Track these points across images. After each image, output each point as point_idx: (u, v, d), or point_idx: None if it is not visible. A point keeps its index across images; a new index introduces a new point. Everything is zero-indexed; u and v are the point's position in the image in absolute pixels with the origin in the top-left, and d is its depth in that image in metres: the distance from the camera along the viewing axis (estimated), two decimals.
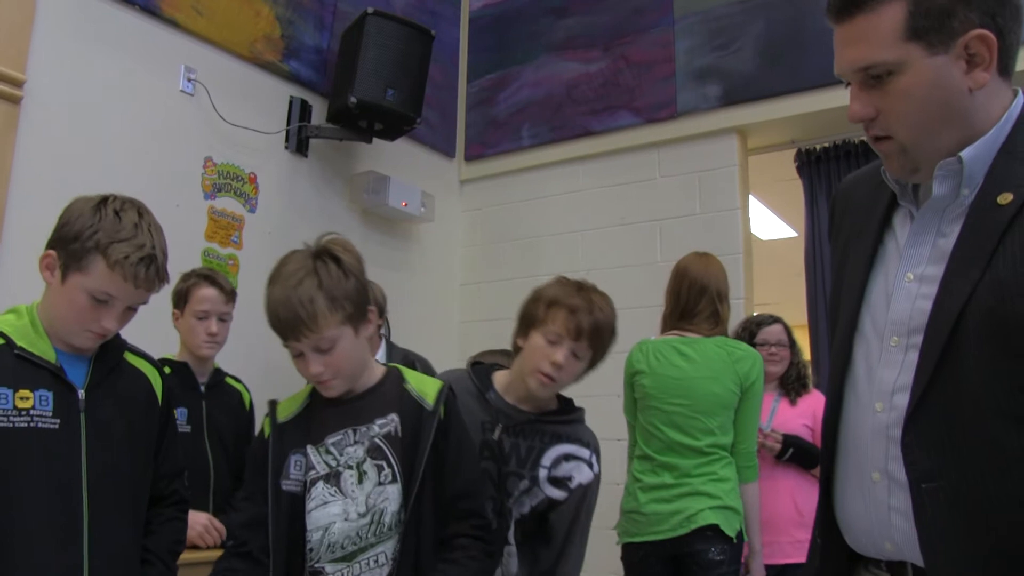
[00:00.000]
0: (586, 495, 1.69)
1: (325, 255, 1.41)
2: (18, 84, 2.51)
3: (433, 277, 4.01)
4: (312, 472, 1.43)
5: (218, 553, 2.09)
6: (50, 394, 1.36)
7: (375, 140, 3.50)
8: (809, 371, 2.97)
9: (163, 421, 1.53)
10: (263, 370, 2.85)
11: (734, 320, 3.38)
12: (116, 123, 2.79)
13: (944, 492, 0.98)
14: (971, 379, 0.97)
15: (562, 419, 1.69)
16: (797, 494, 2.78)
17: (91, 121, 2.72)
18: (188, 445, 2.15)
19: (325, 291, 1.37)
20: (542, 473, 1.62)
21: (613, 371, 2.13)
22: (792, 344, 2.98)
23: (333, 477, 1.42)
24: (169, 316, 2.38)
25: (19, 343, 1.37)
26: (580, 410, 1.75)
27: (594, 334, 1.61)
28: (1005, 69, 1.04)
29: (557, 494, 1.63)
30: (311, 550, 1.42)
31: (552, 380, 1.61)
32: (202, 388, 2.31)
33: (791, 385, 2.93)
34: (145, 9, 2.88)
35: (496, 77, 4.21)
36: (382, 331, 2.75)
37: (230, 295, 2.33)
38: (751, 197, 3.78)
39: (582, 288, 1.66)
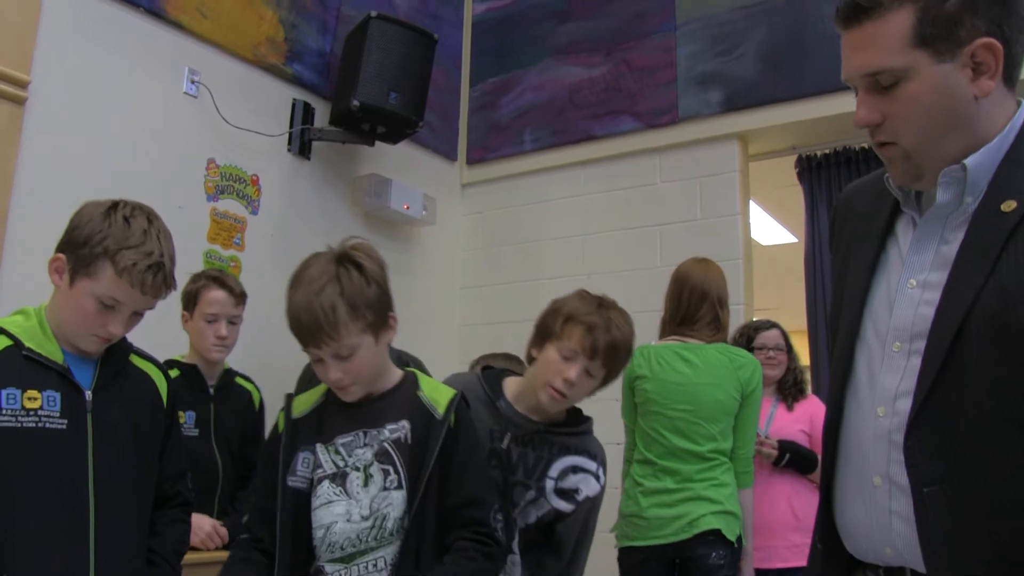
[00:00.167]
0: (593, 507, 1.69)
1: (348, 261, 1.40)
2: (22, 85, 2.52)
3: (434, 280, 4.02)
4: (319, 470, 1.43)
5: (222, 555, 2.10)
6: (58, 395, 1.37)
7: (377, 143, 3.51)
8: (807, 376, 2.97)
9: (167, 423, 1.53)
10: (264, 370, 2.86)
11: (733, 325, 3.40)
12: (119, 124, 2.80)
13: (946, 496, 0.98)
14: (974, 385, 0.97)
15: (571, 431, 1.68)
16: (794, 498, 2.79)
17: (94, 122, 2.73)
18: (196, 449, 2.14)
19: (347, 299, 1.36)
20: (549, 484, 1.62)
21: None
22: (789, 349, 2.99)
23: (339, 477, 1.42)
24: (178, 316, 2.37)
25: (27, 344, 1.38)
26: (589, 421, 1.74)
27: (609, 353, 1.59)
28: (1010, 78, 1.05)
29: (563, 506, 1.63)
30: (315, 547, 1.43)
31: (563, 396, 1.60)
32: (211, 390, 2.29)
33: (788, 390, 2.94)
34: (149, 11, 2.89)
35: (498, 81, 4.23)
36: None
37: (240, 297, 2.31)
38: (752, 202, 3.79)
39: (602, 305, 1.63)
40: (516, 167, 4.10)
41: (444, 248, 4.11)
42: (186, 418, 2.17)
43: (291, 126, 3.39)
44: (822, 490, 1.16)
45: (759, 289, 3.68)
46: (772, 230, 5.51)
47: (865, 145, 3.40)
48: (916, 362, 1.03)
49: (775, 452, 2.75)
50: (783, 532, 2.75)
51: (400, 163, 3.81)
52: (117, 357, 1.47)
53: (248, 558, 1.45)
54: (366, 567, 1.39)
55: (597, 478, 1.67)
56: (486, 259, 4.13)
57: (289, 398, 1.54)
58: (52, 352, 1.39)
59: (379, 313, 1.42)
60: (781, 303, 5.33)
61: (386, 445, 1.42)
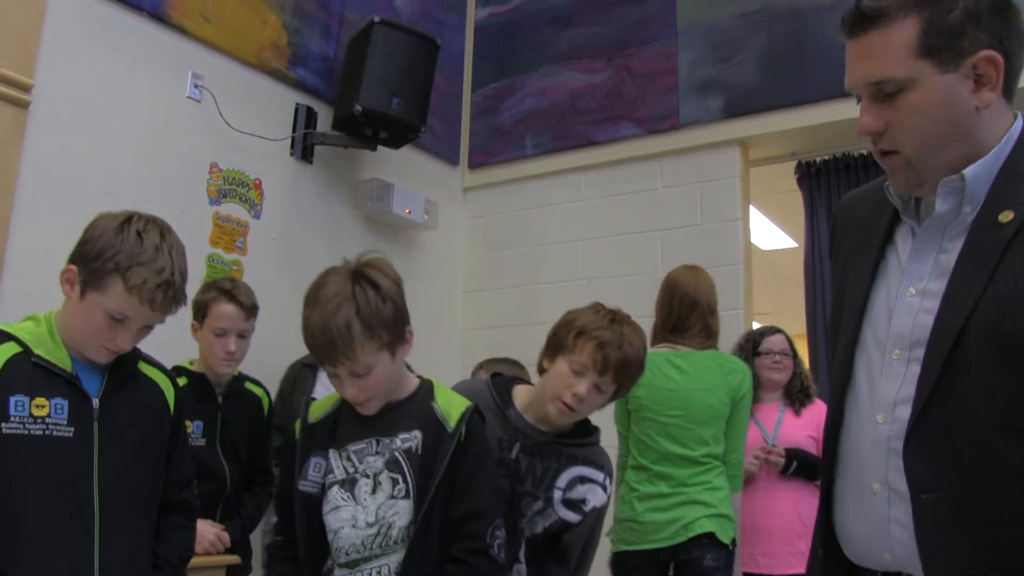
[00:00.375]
0: (599, 517, 1.70)
1: (363, 279, 1.40)
2: (26, 88, 2.53)
3: (436, 284, 4.03)
4: (330, 475, 1.45)
5: (223, 559, 2.12)
6: (65, 402, 1.37)
7: (379, 148, 3.53)
8: (811, 381, 2.98)
9: (174, 430, 1.54)
10: (266, 373, 2.86)
11: (732, 330, 3.41)
12: (123, 128, 2.81)
13: (945, 503, 0.99)
14: (973, 393, 0.99)
15: (580, 442, 1.68)
16: (800, 504, 2.79)
17: (98, 125, 2.74)
18: (204, 458, 2.13)
19: (362, 318, 1.36)
20: (556, 495, 1.62)
21: None
22: (795, 354, 3.00)
23: (349, 483, 1.43)
24: (188, 320, 2.33)
25: (36, 351, 1.39)
26: (597, 432, 1.73)
27: (620, 369, 1.58)
28: (1008, 91, 1.07)
29: (571, 516, 1.63)
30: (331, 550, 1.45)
31: (572, 410, 1.59)
32: (219, 399, 2.27)
33: (795, 396, 2.95)
34: (153, 15, 2.90)
35: (500, 86, 4.25)
36: None
37: (250, 311, 2.26)
38: (752, 208, 3.81)
39: (615, 320, 1.61)
40: (517, 172, 4.12)
41: (446, 252, 4.12)
42: (193, 428, 2.15)
43: (294, 130, 3.41)
44: (822, 496, 1.17)
45: (759, 294, 3.69)
46: (772, 235, 5.53)
47: (864, 152, 3.41)
48: (915, 370, 1.04)
49: (783, 460, 2.75)
50: (789, 538, 2.75)
51: (402, 167, 3.83)
52: (126, 364, 1.48)
53: (285, 557, 1.49)
54: (370, 574, 1.40)
55: (604, 488, 1.67)
56: (487, 263, 4.15)
57: (307, 403, 1.56)
58: (61, 359, 1.40)
59: (395, 331, 1.41)
60: (781, 308, 5.35)
61: (397, 454, 1.43)
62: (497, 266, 4.11)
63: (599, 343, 1.57)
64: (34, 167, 2.55)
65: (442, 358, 3.82)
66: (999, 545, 0.97)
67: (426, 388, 1.53)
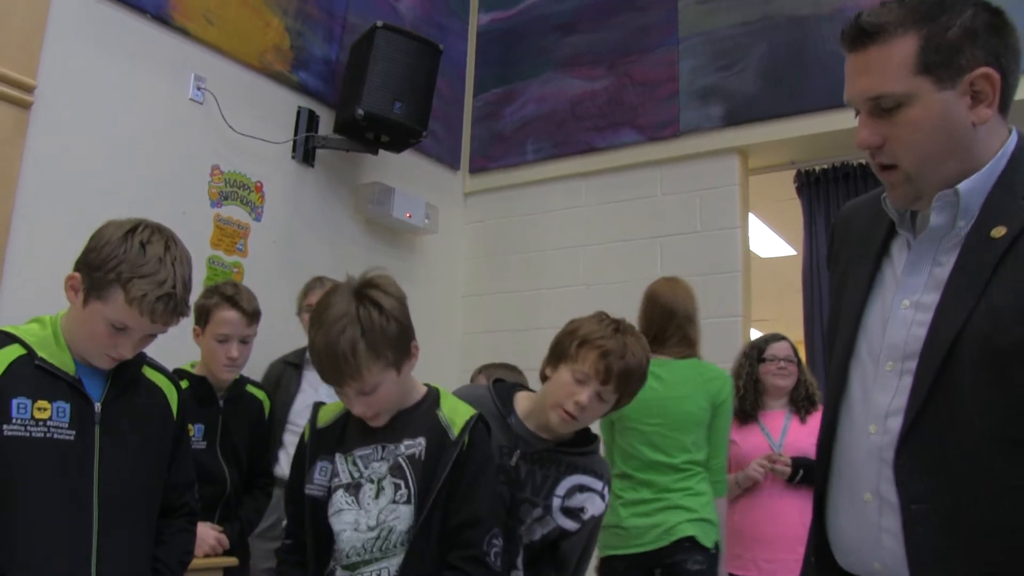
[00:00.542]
0: (597, 525, 1.70)
1: (367, 301, 1.41)
2: (28, 89, 2.54)
3: (436, 288, 4.04)
4: (336, 479, 1.47)
5: (221, 561, 2.12)
6: (67, 406, 1.38)
7: (381, 151, 3.54)
8: (816, 388, 2.98)
9: (177, 434, 1.55)
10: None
11: (731, 337, 3.42)
12: (125, 129, 2.82)
13: (935, 514, 1.00)
14: (965, 405, 1.00)
15: (580, 451, 1.68)
16: (804, 512, 2.76)
17: (100, 127, 2.75)
18: (204, 461, 2.13)
19: (367, 340, 1.37)
20: (555, 502, 1.63)
21: None
22: (799, 361, 3.00)
23: (353, 487, 1.46)
24: (191, 323, 2.33)
25: (40, 354, 1.39)
26: (597, 440, 1.74)
27: (623, 379, 1.58)
28: (1004, 107, 1.08)
29: (569, 524, 1.64)
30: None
31: (573, 419, 1.59)
32: (220, 403, 2.27)
33: (801, 403, 2.95)
34: (156, 17, 2.91)
35: (502, 92, 4.26)
36: None
37: (252, 316, 2.25)
38: (752, 215, 3.82)
39: (618, 329, 1.62)
40: (518, 177, 4.13)
41: (446, 256, 4.13)
42: (195, 431, 2.15)
43: (295, 133, 3.42)
44: (815, 504, 1.19)
45: (758, 301, 3.70)
46: (771, 242, 5.54)
47: (863, 161, 3.43)
48: (908, 381, 1.06)
49: (788, 469, 2.76)
50: (791, 545, 2.75)
51: (403, 171, 3.84)
52: (130, 368, 1.49)
53: (295, 561, 1.52)
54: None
55: (602, 497, 1.67)
56: (487, 268, 4.16)
57: (316, 408, 1.58)
58: (65, 363, 1.41)
59: (400, 348, 1.43)
60: (780, 314, 5.35)
61: (400, 460, 1.45)
62: (497, 271, 4.12)
63: (602, 352, 1.57)
64: (36, 168, 2.56)
65: (442, 362, 3.83)
66: (989, 557, 0.98)
67: (433, 396, 1.55)
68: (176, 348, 2.06)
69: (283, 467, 2.54)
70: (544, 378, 1.68)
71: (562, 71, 4.08)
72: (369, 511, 1.43)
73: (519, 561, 1.62)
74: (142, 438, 1.47)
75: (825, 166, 3.59)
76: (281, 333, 2.87)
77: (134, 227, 1.39)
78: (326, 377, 1.43)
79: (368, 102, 3.24)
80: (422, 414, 1.50)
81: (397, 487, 1.44)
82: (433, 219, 3.85)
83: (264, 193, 3.28)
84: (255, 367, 2.79)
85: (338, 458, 1.49)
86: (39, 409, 1.35)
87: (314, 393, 2.70)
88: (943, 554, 1.00)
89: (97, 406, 1.42)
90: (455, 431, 1.47)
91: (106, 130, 2.77)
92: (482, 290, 4.14)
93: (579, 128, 3.96)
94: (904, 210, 1.15)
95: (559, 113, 4.04)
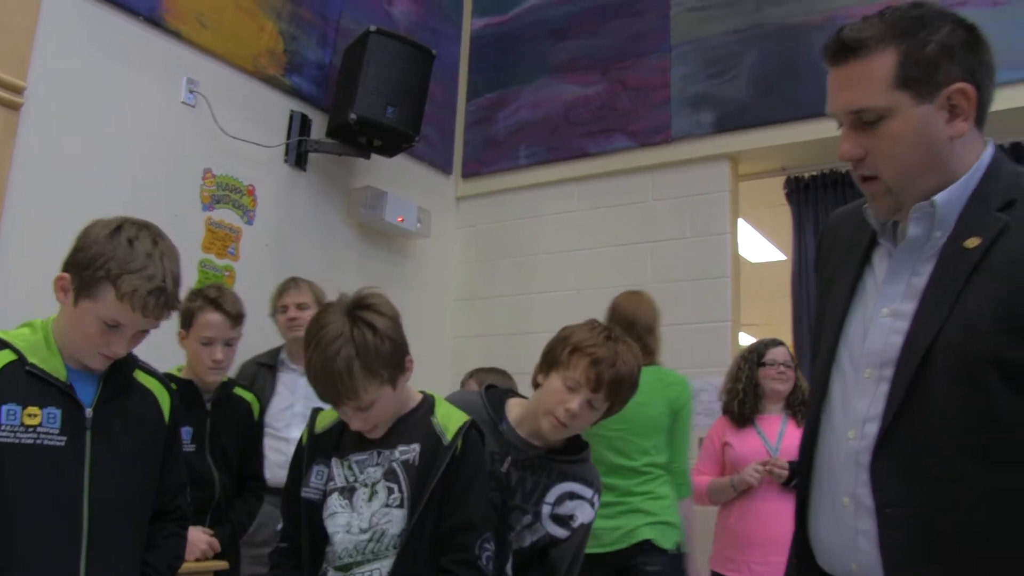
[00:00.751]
0: (587, 533, 1.71)
1: (361, 323, 1.43)
2: (18, 91, 2.53)
3: (428, 292, 4.05)
4: (331, 483, 1.50)
5: (212, 564, 2.13)
6: (58, 412, 1.38)
7: (373, 156, 3.55)
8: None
9: (169, 439, 1.56)
10: None
11: (719, 341, 3.44)
12: (116, 132, 2.82)
13: (908, 518, 1.03)
14: (938, 412, 1.02)
15: (571, 458, 1.69)
16: None
17: (91, 129, 2.75)
18: (193, 464, 2.13)
19: (362, 360, 1.40)
20: (545, 510, 1.64)
21: None
22: (796, 366, 3.03)
23: (347, 491, 1.49)
24: (177, 326, 2.33)
25: (31, 359, 1.39)
26: (587, 448, 1.74)
27: (614, 387, 1.59)
28: (980, 121, 1.11)
29: (559, 532, 1.65)
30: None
31: (564, 426, 1.60)
32: (208, 406, 2.28)
33: (797, 407, 2.98)
34: (149, 20, 2.92)
35: (495, 96, 4.28)
36: None
37: (237, 319, 2.25)
38: (742, 221, 3.85)
39: (610, 337, 1.62)
40: (510, 182, 4.15)
41: (438, 260, 4.14)
42: (183, 434, 2.16)
43: (288, 137, 3.43)
44: (797, 507, 1.21)
45: (749, 305, 3.73)
46: (762, 248, 5.57)
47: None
48: (885, 388, 1.08)
49: (786, 473, 2.78)
50: (785, 549, 2.77)
51: (396, 175, 3.85)
52: (121, 373, 1.49)
53: (290, 565, 1.55)
54: None
55: (592, 504, 1.69)
56: (479, 272, 4.17)
57: (314, 413, 1.61)
58: (56, 368, 1.41)
59: (395, 365, 1.46)
60: (770, 319, 5.38)
61: (395, 465, 1.48)
62: (488, 275, 4.13)
63: (593, 360, 1.58)
64: (25, 170, 2.55)
65: (433, 366, 3.83)
66: (960, 562, 1.00)
67: (428, 403, 1.57)
68: (163, 352, 2.06)
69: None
70: (536, 385, 1.68)
71: (555, 76, 4.10)
72: (362, 514, 1.46)
73: (508, 568, 1.63)
74: (134, 442, 1.47)
75: (814, 173, 3.62)
76: (272, 337, 2.88)
77: (120, 225, 1.40)
78: (323, 396, 1.47)
79: (361, 106, 3.25)
80: (417, 421, 1.53)
81: (390, 491, 1.46)
82: (425, 223, 3.86)
83: (256, 197, 3.29)
84: (233, 370, 2.79)
85: (334, 462, 1.52)
86: (29, 415, 1.35)
87: (290, 395, 2.70)
88: (915, 557, 1.02)
89: (88, 411, 1.42)
90: (448, 436, 1.49)
91: (97, 133, 2.77)
92: (474, 294, 4.16)
93: (572, 133, 3.99)
94: (885, 220, 1.17)
95: (552, 118, 4.06)
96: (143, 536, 1.50)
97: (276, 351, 2.81)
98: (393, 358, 1.45)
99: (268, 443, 2.51)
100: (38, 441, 1.35)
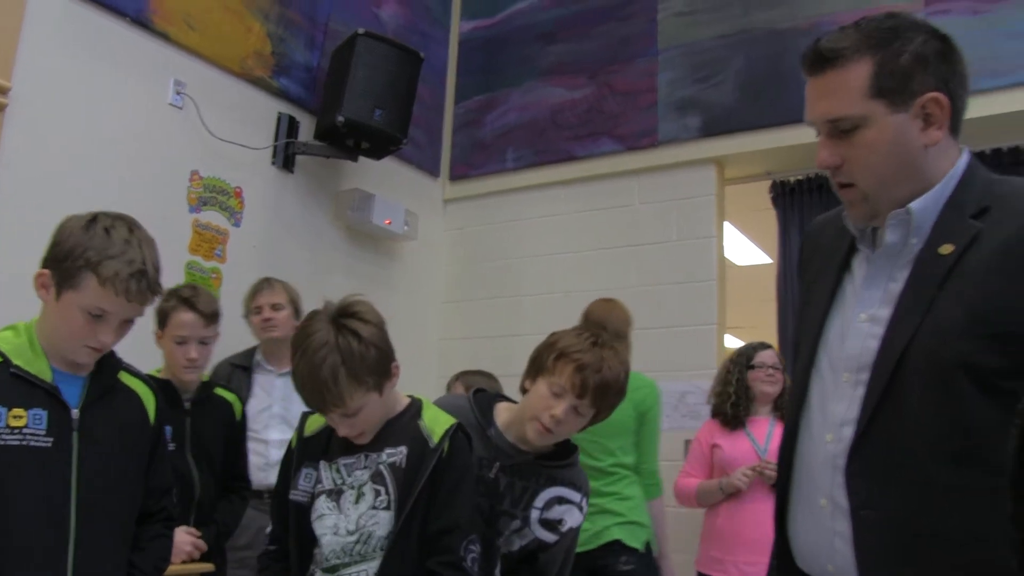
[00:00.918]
0: (576, 537, 1.72)
1: (346, 331, 1.45)
2: (3, 91, 2.51)
3: (415, 295, 4.05)
4: (319, 486, 1.52)
5: (198, 567, 2.13)
6: (44, 413, 1.39)
7: (361, 158, 3.55)
8: None
9: (154, 440, 1.56)
10: None
11: (705, 344, 3.46)
12: (102, 133, 2.81)
13: (881, 520, 1.05)
14: (912, 416, 1.05)
15: (560, 463, 1.70)
16: None
17: (77, 131, 2.73)
18: (173, 462, 2.15)
19: (347, 368, 1.42)
20: (534, 514, 1.65)
21: None
22: (784, 368, 3.05)
23: (335, 493, 1.51)
24: (152, 328, 2.36)
25: (15, 361, 1.39)
26: (576, 452, 1.75)
27: (599, 393, 1.59)
28: (954, 129, 1.14)
29: (547, 536, 1.65)
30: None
31: (549, 432, 1.60)
32: (187, 405, 2.29)
33: (785, 410, 3.00)
34: (136, 21, 2.91)
35: (483, 99, 4.29)
36: None
37: (211, 318, 2.26)
38: (728, 223, 3.87)
39: (597, 343, 1.62)
40: (498, 185, 4.16)
41: (425, 263, 4.15)
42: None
43: (276, 139, 3.42)
44: (777, 509, 1.23)
45: (736, 308, 3.75)
46: (748, 251, 5.61)
47: None
48: (861, 392, 1.10)
49: (775, 474, 2.80)
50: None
51: (383, 178, 3.85)
52: (106, 374, 1.49)
53: (278, 569, 1.57)
54: None
55: (580, 508, 1.69)
56: (466, 275, 4.18)
57: (304, 417, 1.62)
58: (41, 370, 1.41)
59: (380, 372, 1.48)
60: (757, 322, 5.42)
61: (382, 467, 1.50)
62: (475, 278, 4.14)
63: (578, 366, 1.58)
64: (9, 171, 2.53)
65: (419, 368, 3.84)
66: (932, 563, 1.02)
67: (415, 407, 1.59)
68: (142, 355, 2.07)
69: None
70: (524, 391, 1.69)
71: (543, 80, 4.11)
72: (349, 516, 1.48)
73: (497, 572, 1.64)
74: (121, 443, 1.48)
75: (800, 177, 3.65)
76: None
77: (94, 217, 1.42)
78: (310, 403, 1.49)
79: (349, 109, 3.25)
80: (404, 424, 1.55)
81: (377, 493, 1.48)
82: (413, 226, 3.87)
83: (244, 199, 3.28)
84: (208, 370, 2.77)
85: (322, 465, 1.54)
86: (14, 417, 1.35)
87: (267, 397, 2.70)
88: (889, 559, 1.04)
89: (75, 412, 1.42)
90: (435, 439, 1.51)
91: (83, 134, 2.75)
92: (460, 297, 4.16)
93: (559, 137, 4.00)
94: (864, 227, 1.19)
95: (540, 122, 4.07)
96: (129, 537, 1.50)
97: (251, 352, 2.79)
98: (379, 365, 1.47)
99: (248, 445, 2.51)
100: (24, 442, 1.36)
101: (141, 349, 1.80)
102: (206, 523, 2.24)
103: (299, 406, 2.62)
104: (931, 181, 1.12)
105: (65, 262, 1.37)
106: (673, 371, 3.44)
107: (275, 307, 2.73)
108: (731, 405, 2.91)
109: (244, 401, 2.57)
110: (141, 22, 2.92)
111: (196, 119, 3.09)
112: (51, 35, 2.68)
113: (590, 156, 3.90)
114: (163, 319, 2.25)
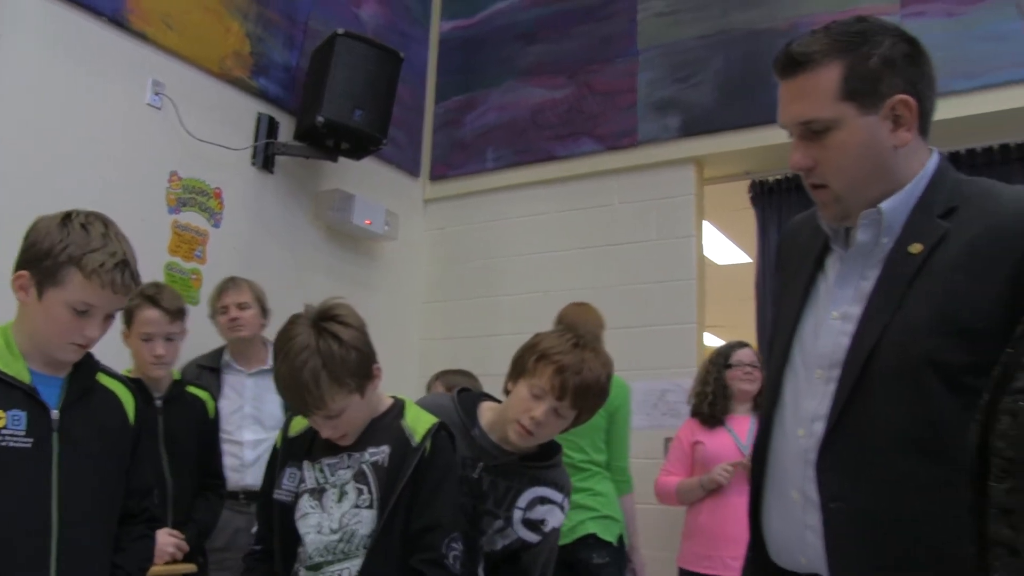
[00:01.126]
0: (558, 537, 1.74)
1: (327, 334, 1.46)
2: None
3: (396, 295, 4.05)
4: (303, 485, 1.54)
5: (181, 567, 2.13)
6: (23, 414, 1.38)
7: (341, 158, 3.55)
8: None
9: (134, 440, 1.56)
10: None
11: (684, 342, 3.49)
12: (80, 134, 2.78)
13: (851, 512, 1.08)
14: (881, 412, 1.07)
15: (543, 464, 1.71)
16: None
17: (54, 132, 2.71)
18: None
19: (328, 371, 1.44)
20: (517, 515, 1.66)
21: None
22: (762, 367, 3.09)
23: (318, 492, 1.52)
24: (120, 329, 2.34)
25: None
26: (559, 453, 1.76)
27: (579, 395, 1.58)
28: (923, 130, 1.17)
29: (530, 536, 1.66)
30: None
31: (530, 434, 1.61)
32: (159, 403, 2.29)
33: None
34: (113, 21, 2.88)
35: (463, 99, 4.29)
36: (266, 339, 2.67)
37: (175, 314, 2.26)
38: (707, 223, 3.90)
39: (578, 345, 1.62)
40: (478, 185, 4.16)
41: (406, 263, 4.15)
42: None
43: (255, 140, 3.41)
44: (751, 503, 1.25)
45: (715, 307, 3.78)
46: (728, 250, 5.65)
47: None
48: (833, 388, 1.13)
49: None
50: None
51: (363, 178, 3.85)
52: (84, 375, 1.49)
53: (264, 570, 1.59)
54: (333, 575, 1.48)
55: (562, 508, 1.71)
56: (446, 275, 4.18)
57: (289, 417, 1.64)
58: (19, 372, 1.40)
59: (362, 375, 1.49)
60: (736, 321, 5.46)
61: (364, 467, 1.52)
62: (456, 278, 4.15)
63: (558, 368, 1.58)
64: None
65: (399, 368, 3.84)
66: (899, 556, 1.05)
67: (398, 407, 1.60)
68: (113, 356, 2.06)
69: None
70: (507, 392, 1.69)
71: (523, 80, 4.12)
72: (332, 514, 1.50)
73: (480, 570, 1.65)
74: (101, 444, 1.48)
75: (779, 176, 3.69)
76: None
77: (68, 214, 1.42)
78: (292, 406, 1.51)
79: (328, 109, 3.25)
80: (387, 424, 1.56)
81: (360, 492, 1.50)
82: (393, 226, 3.86)
83: (223, 199, 3.27)
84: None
85: (306, 465, 1.55)
86: None
87: (238, 398, 2.69)
88: (857, 550, 1.07)
89: (55, 413, 1.42)
90: (417, 438, 1.53)
91: (60, 135, 2.73)
92: (441, 297, 4.17)
93: (539, 137, 4.01)
94: (837, 227, 1.21)
95: (520, 121, 4.08)
96: (112, 538, 1.50)
97: (218, 353, 2.77)
98: (359, 367, 1.48)
99: (222, 447, 2.51)
100: (4, 443, 1.35)
101: (108, 350, 1.79)
102: (184, 522, 2.23)
103: (271, 405, 2.63)
104: (901, 181, 1.15)
105: (45, 260, 1.37)
106: (653, 370, 3.47)
107: (241, 306, 2.71)
108: (709, 404, 2.95)
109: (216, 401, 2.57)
110: (118, 22, 2.90)
111: (175, 120, 3.07)
112: (27, 34, 2.66)
113: (570, 156, 3.92)
114: (129, 317, 2.26)
